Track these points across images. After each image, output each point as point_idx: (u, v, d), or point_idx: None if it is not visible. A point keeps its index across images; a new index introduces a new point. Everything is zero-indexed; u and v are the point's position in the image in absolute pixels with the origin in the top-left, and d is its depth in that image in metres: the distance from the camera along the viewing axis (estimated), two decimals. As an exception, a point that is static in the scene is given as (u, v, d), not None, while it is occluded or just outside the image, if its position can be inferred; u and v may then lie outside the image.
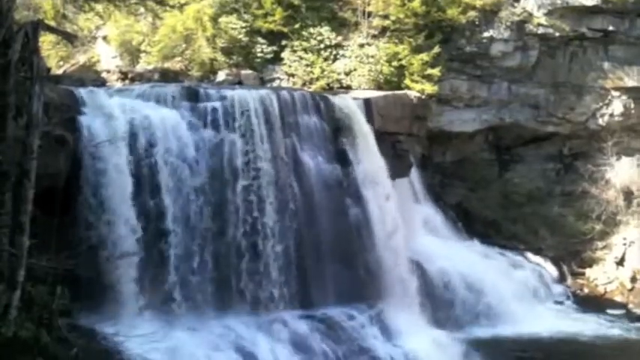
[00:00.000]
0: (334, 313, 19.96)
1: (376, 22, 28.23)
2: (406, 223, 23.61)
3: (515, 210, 30.30)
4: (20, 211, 12.99)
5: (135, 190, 17.69)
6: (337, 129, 22.01)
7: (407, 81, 26.91)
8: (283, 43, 27.74)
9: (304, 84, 27.01)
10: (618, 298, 27.68)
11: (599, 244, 29.41)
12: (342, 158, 21.81)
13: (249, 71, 27.11)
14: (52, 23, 21.87)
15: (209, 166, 19.03)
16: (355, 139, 22.13)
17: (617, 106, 30.42)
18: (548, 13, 28.96)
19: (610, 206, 29.48)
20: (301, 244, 20.12)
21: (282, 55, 27.65)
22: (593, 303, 27.17)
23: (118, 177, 17.51)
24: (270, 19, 27.67)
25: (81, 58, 29.53)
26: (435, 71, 26.96)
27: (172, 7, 23.77)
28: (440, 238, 27.10)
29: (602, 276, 28.75)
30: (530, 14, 28.99)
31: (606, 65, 30.00)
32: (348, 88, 26.93)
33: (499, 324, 23.72)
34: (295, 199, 20.23)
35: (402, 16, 27.51)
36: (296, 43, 27.54)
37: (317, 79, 27.09)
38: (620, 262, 28.70)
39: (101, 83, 25.09)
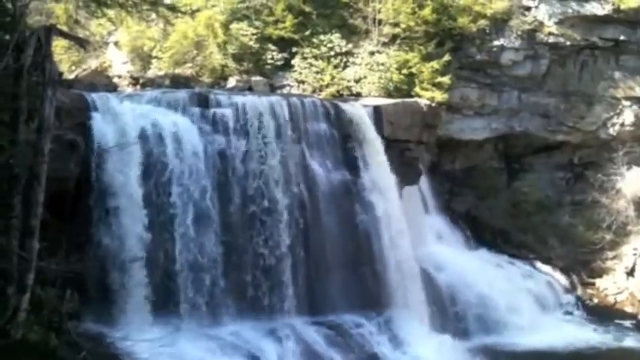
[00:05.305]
0: (343, 320, 19.94)
1: (387, 29, 28.24)
2: (415, 230, 23.58)
3: (524, 219, 30.18)
4: (30, 214, 13.07)
5: (145, 195, 17.74)
6: (346, 136, 22.01)
7: (417, 89, 26.89)
8: (294, 50, 27.78)
9: (314, 91, 27.03)
10: (628, 309, 27.49)
11: (610, 254, 29.25)
12: (351, 165, 21.79)
13: (259, 78, 27.16)
14: (65, 28, 22.01)
15: (219, 171, 19.08)
16: (364, 146, 22.12)
17: (627, 115, 30.30)
18: (559, 22, 28.91)
19: (620, 216, 29.32)
20: (310, 251, 20.11)
21: (293, 61, 27.68)
22: (602, 313, 26.99)
23: (127, 182, 17.55)
24: (280, 26, 27.75)
25: (92, 64, 29.65)
26: (445, 79, 26.96)
27: (184, 13, 23.84)
28: (448, 247, 27.04)
29: (612, 286, 28.59)
30: (541, 23, 28.95)
31: (617, 75, 29.92)
32: (358, 95, 26.92)
33: (507, 333, 23.61)
34: (304, 206, 20.24)
35: (412, 24, 27.54)
36: (306, 50, 27.58)
37: (327, 86, 27.10)
38: (631, 273, 28.51)
39: (112, 88, 25.24)
